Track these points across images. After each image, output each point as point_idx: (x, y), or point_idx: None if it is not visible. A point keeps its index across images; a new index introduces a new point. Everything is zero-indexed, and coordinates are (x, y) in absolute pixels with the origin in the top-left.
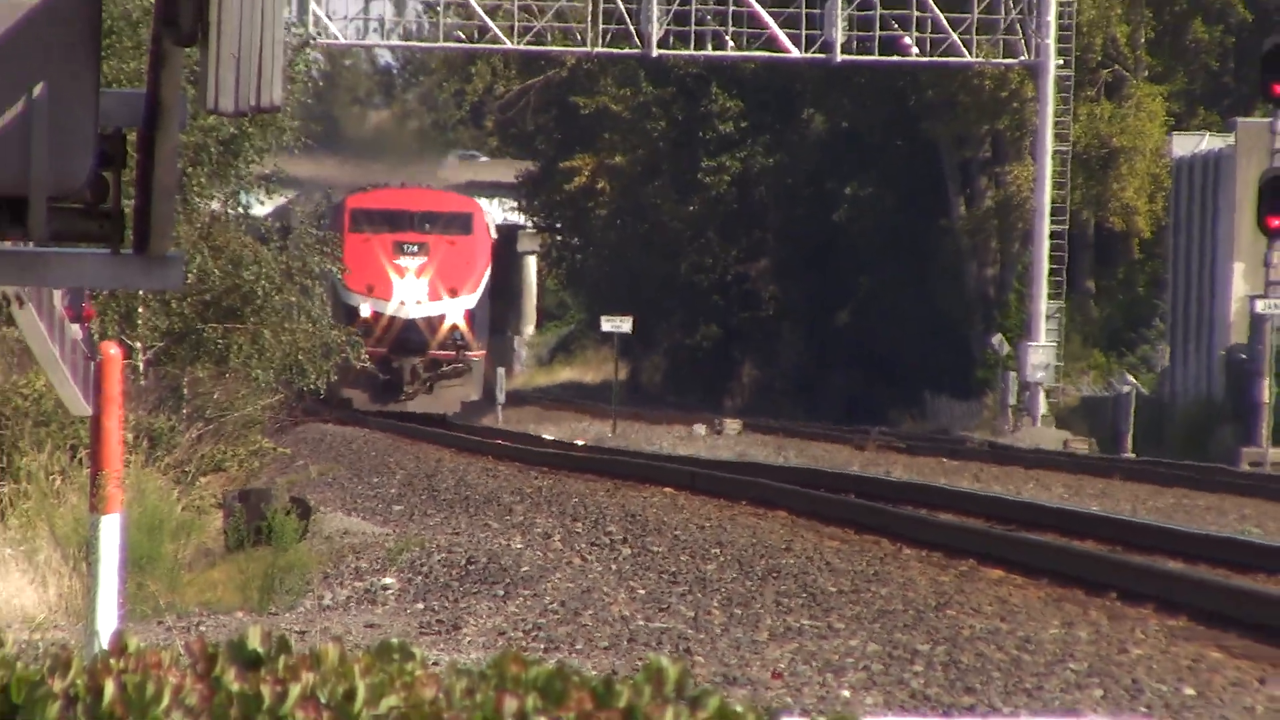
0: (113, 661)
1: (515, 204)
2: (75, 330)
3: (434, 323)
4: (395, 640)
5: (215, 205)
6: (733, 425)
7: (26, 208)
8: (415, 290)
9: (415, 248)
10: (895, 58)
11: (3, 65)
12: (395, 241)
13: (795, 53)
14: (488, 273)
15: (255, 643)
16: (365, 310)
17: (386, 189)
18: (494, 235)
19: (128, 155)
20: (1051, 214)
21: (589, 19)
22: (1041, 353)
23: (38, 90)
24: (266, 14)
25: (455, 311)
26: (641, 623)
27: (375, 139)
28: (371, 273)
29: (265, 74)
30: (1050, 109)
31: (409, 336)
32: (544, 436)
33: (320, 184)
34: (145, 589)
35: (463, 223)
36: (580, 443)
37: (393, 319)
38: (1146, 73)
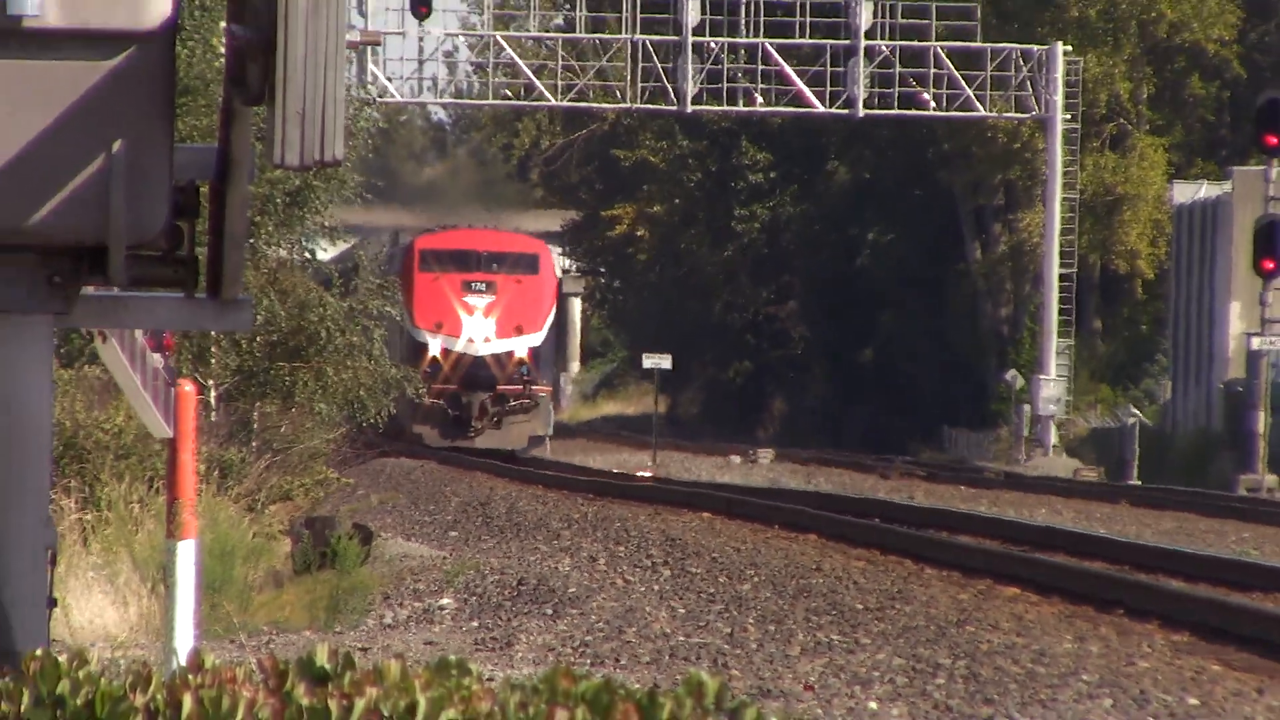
0: (190, 677)
1: (561, 250)
2: (156, 359)
3: (502, 359)
4: (453, 657)
5: (282, 253)
6: (765, 455)
7: (107, 256)
8: (483, 328)
9: (483, 286)
10: (914, 112)
11: (83, 123)
12: (464, 280)
13: (820, 108)
14: (553, 311)
15: (323, 660)
16: (435, 347)
17: (455, 230)
18: (559, 275)
19: (201, 206)
20: (1060, 257)
21: (628, 77)
22: (1052, 387)
23: (116, 146)
24: (329, 75)
25: (522, 348)
26: (681, 639)
27: (430, 190)
28: (441, 311)
29: (328, 131)
30: (1059, 160)
31: (477, 373)
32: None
33: (380, 231)
34: (219, 609)
35: (529, 263)
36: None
37: (461, 355)
38: (1148, 126)
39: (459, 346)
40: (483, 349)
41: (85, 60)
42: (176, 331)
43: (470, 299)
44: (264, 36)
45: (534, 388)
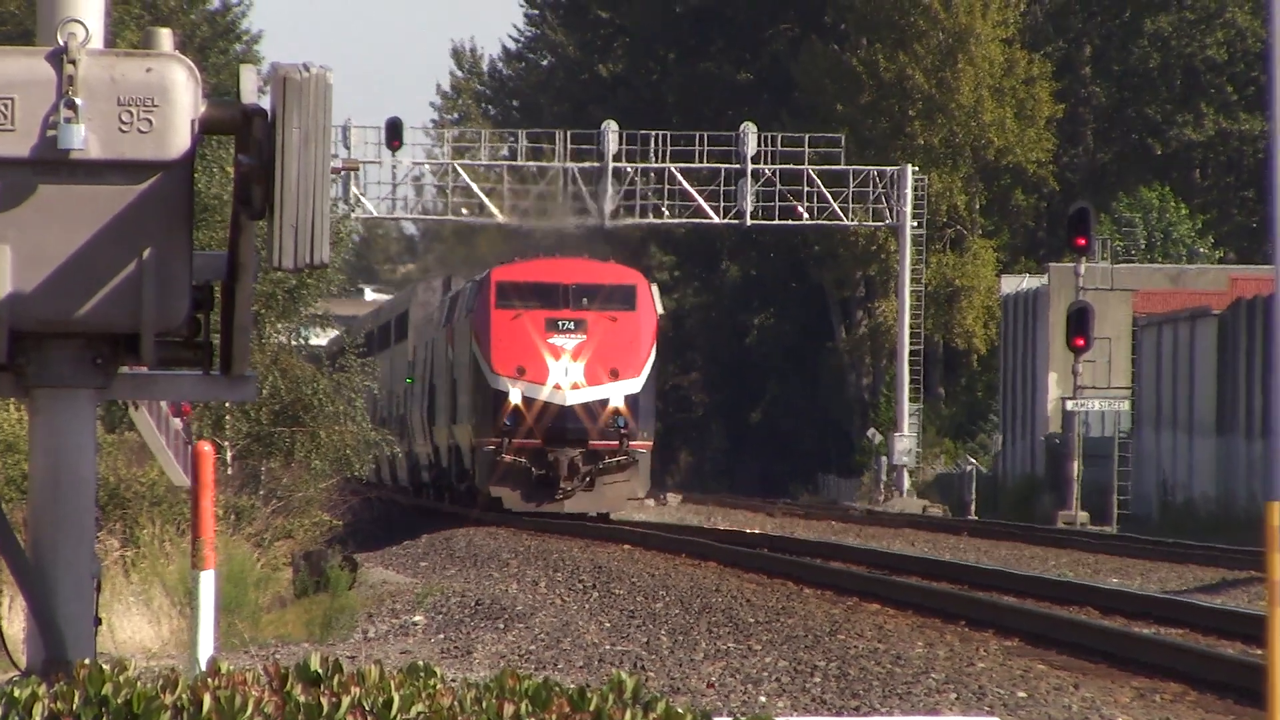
0: (209, 680)
1: None
2: (176, 423)
3: (594, 409)
4: (421, 662)
5: (282, 338)
6: (674, 498)
7: (140, 341)
8: (572, 373)
9: (571, 325)
10: (791, 221)
11: (120, 235)
12: (548, 318)
13: (716, 219)
14: (653, 353)
15: (316, 665)
16: (515, 396)
17: (537, 259)
18: (660, 310)
19: (215, 301)
20: (910, 337)
21: (561, 197)
22: (905, 441)
23: (147, 253)
24: (317, 195)
25: (617, 396)
26: (607, 647)
27: (404, 283)
28: (522, 353)
29: (317, 240)
30: (908, 259)
31: (565, 425)
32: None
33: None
34: (234, 627)
35: (625, 296)
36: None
37: (546, 405)
38: (980, 230)
39: (544, 395)
40: (571, 398)
41: (121, 184)
42: (195, 402)
43: (557, 339)
44: (265, 164)
45: (631, 443)
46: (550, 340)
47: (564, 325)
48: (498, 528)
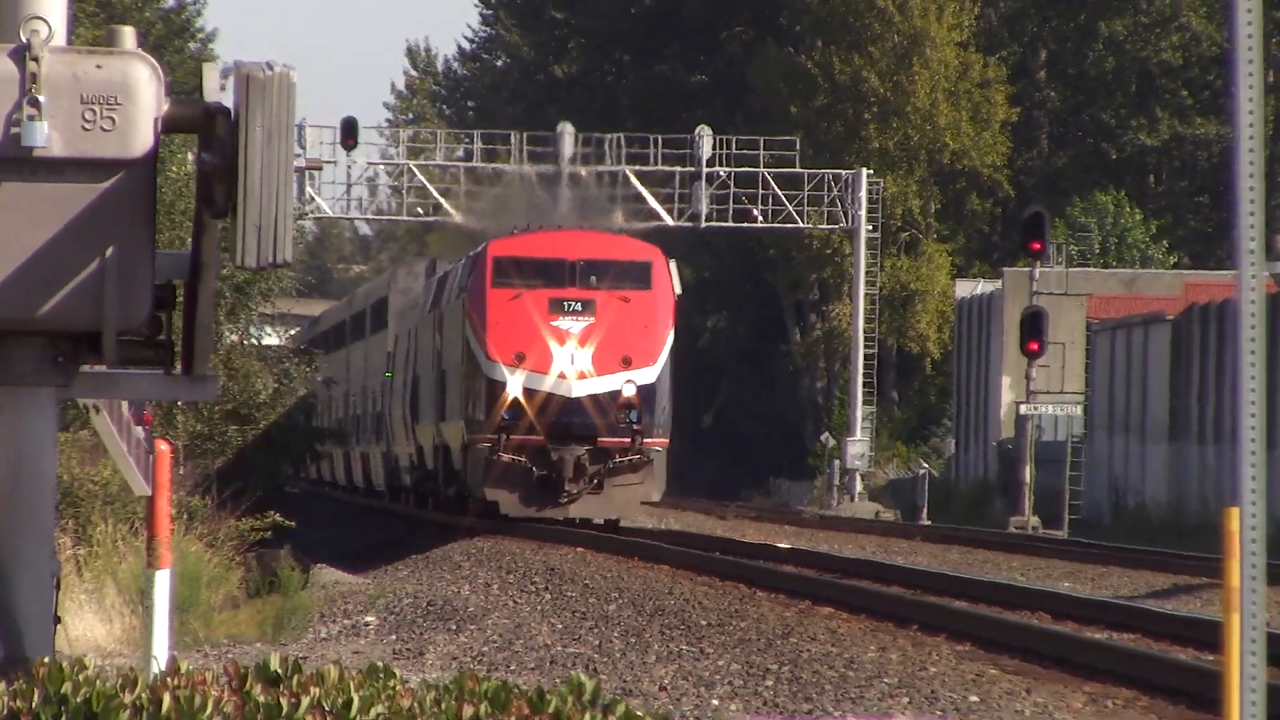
0: (169, 680)
1: None
2: (139, 431)
3: (603, 402)
4: (380, 663)
5: (234, 338)
6: None
7: (101, 340)
8: (579, 360)
9: (579, 306)
10: (746, 224)
11: (82, 233)
12: (552, 298)
13: (670, 221)
14: (670, 337)
15: (275, 665)
16: (515, 386)
17: (540, 232)
18: (679, 290)
19: (177, 300)
20: (865, 341)
21: (518, 201)
22: (858, 445)
23: (109, 252)
24: (279, 194)
25: (630, 386)
26: (560, 649)
27: (357, 283)
28: (522, 338)
29: (280, 238)
30: (863, 262)
31: (571, 420)
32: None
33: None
34: (188, 625)
35: (639, 273)
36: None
37: (550, 397)
38: (935, 234)
39: (547, 385)
40: (578, 388)
41: (84, 182)
42: (151, 404)
43: (562, 322)
44: (228, 163)
45: (645, 440)
46: (554, 323)
47: (570, 306)
48: (434, 526)
